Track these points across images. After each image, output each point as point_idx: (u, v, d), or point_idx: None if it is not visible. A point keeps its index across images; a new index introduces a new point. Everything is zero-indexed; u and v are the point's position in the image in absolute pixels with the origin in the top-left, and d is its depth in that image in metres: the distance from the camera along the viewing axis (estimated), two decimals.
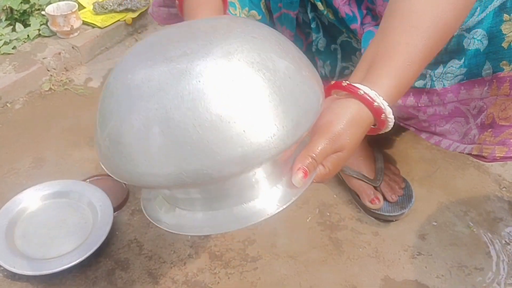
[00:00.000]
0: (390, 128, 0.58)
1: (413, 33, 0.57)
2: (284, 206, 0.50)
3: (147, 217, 0.56)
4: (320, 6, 0.90)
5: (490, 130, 0.72)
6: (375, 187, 0.92)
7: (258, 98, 0.44)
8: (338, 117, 0.54)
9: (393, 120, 0.56)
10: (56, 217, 0.90)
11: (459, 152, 0.79)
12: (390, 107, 0.55)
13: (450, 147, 0.80)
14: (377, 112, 0.54)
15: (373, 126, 0.58)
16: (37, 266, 0.80)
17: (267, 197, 0.50)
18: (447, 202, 0.95)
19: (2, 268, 0.81)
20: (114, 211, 0.90)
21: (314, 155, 0.51)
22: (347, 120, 0.53)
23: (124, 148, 0.45)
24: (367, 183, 0.92)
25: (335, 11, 0.89)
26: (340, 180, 0.99)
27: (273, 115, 0.44)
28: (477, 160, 1.02)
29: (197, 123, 0.42)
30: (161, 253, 0.86)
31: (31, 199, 0.92)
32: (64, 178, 0.98)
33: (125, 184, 0.97)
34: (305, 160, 0.51)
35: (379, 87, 0.55)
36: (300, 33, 1.00)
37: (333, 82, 0.57)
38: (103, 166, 0.50)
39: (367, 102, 0.54)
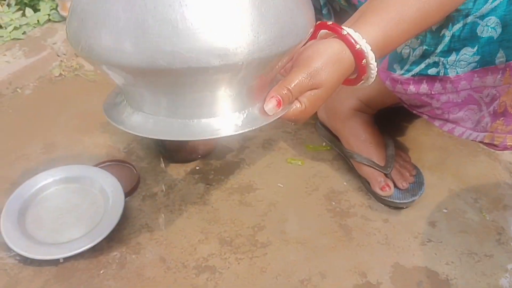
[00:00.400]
0: (371, 80, 0.58)
1: None
2: (242, 131, 0.50)
3: (108, 119, 0.55)
4: None
5: (502, 118, 0.72)
6: (385, 174, 0.92)
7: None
8: (319, 54, 0.54)
9: (375, 69, 0.57)
10: (68, 202, 0.91)
11: (472, 140, 0.78)
12: (373, 53, 0.55)
13: (463, 135, 0.79)
14: (358, 55, 0.55)
15: (354, 77, 0.59)
16: (49, 250, 0.81)
17: (228, 118, 0.50)
18: (457, 189, 0.95)
19: (14, 253, 0.83)
20: (125, 197, 0.91)
21: (290, 87, 0.52)
22: (327, 57, 0.54)
23: (92, 15, 0.43)
24: (378, 170, 0.92)
25: None
26: (350, 167, 0.99)
27: (257, 22, 0.44)
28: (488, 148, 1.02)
29: (183, 2, 0.40)
30: (172, 238, 0.86)
31: (43, 184, 0.92)
32: (75, 164, 0.98)
33: (135, 169, 0.97)
34: (281, 90, 0.52)
35: (365, 32, 0.55)
36: None
37: (318, 22, 0.58)
38: (69, 41, 0.48)
39: (349, 43, 0.54)
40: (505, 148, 0.74)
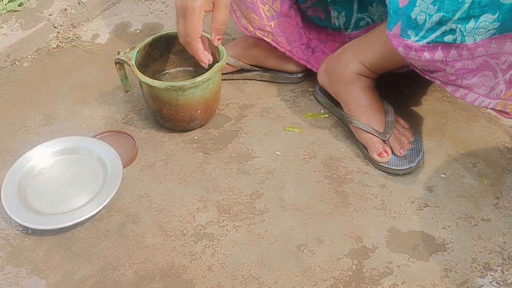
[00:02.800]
0: None
1: None
2: None
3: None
4: None
5: None
6: (383, 141, 0.92)
7: None
8: None
9: None
10: (67, 173, 0.92)
11: (483, 107, 0.77)
12: None
13: (476, 101, 0.78)
14: None
15: None
16: (50, 220, 0.82)
17: None
18: (456, 154, 0.94)
19: (16, 223, 0.84)
20: (124, 167, 0.92)
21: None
22: None
23: None
24: (376, 136, 0.92)
25: None
26: (348, 134, 0.98)
27: None
28: (490, 112, 1.01)
29: None
30: (171, 207, 0.87)
31: (41, 156, 0.93)
32: (74, 135, 0.99)
33: (134, 139, 0.97)
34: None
35: None
36: None
37: None
38: None
39: None
40: None
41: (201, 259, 0.80)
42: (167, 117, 0.97)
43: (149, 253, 0.81)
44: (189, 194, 0.90)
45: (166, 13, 1.38)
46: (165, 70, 1.07)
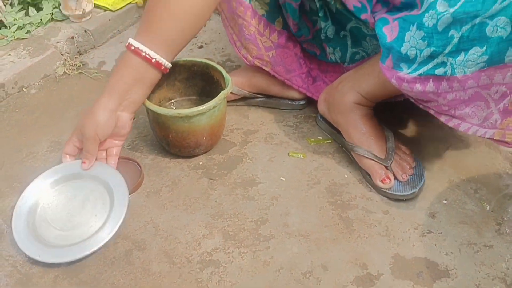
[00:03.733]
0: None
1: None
2: None
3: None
4: None
5: None
6: (386, 167, 0.93)
7: None
8: None
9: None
10: (73, 200, 0.92)
11: (479, 136, 0.78)
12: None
13: (469, 130, 0.80)
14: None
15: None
16: (61, 253, 0.82)
17: None
18: (457, 180, 0.96)
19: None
20: (130, 193, 0.93)
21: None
22: None
23: None
24: (378, 162, 0.93)
25: (342, 2, 0.88)
26: (351, 159, 1.00)
27: None
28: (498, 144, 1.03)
29: None
30: (177, 233, 0.88)
31: (42, 189, 0.93)
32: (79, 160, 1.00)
33: (139, 166, 0.99)
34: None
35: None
36: (307, 21, 1.00)
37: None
38: None
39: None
40: None
41: (208, 287, 0.80)
42: (173, 144, 0.98)
43: (156, 280, 0.81)
44: (194, 220, 0.91)
45: None
46: (171, 97, 1.09)
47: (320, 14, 0.95)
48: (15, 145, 1.08)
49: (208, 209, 0.93)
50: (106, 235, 0.84)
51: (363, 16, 0.84)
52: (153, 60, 0.86)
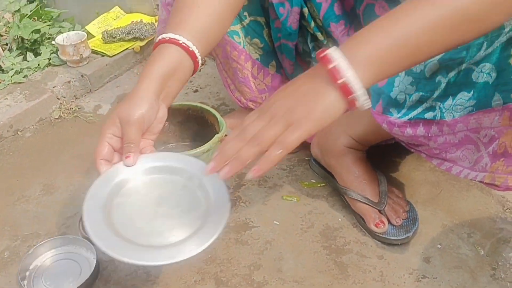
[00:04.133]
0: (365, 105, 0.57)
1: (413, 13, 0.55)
2: None
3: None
4: (320, 36, 0.92)
5: (502, 159, 0.72)
6: (379, 211, 0.93)
7: None
8: None
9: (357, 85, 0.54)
10: (164, 197, 0.74)
11: (471, 179, 0.79)
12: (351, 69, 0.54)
13: (461, 173, 0.80)
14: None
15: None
16: (145, 255, 0.65)
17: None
18: (451, 224, 0.96)
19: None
20: None
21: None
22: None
23: None
24: (372, 206, 0.93)
25: (335, 41, 0.91)
26: (345, 203, 1.00)
27: None
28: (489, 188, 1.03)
29: None
30: (168, 279, 0.87)
31: (134, 171, 0.74)
32: (74, 205, 1.00)
33: None
34: None
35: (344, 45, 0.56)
36: (301, 62, 1.02)
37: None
38: None
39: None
40: (507, 188, 0.74)
41: None
42: None
43: None
44: (186, 265, 0.89)
45: None
46: (165, 141, 1.10)
47: (312, 55, 0.97)
48: (7, 188, 1.07)
49: (200, 253, 0.91)
50: (198, 246, 0.67)
51: None
52: (190, 49, 0.73)
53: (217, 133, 0.96)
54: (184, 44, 0.73)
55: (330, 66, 0.54)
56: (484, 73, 0.67)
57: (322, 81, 0.56)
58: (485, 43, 0.65)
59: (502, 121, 0.69)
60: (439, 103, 0.73)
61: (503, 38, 0.64)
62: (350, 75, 0.54)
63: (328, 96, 0.56)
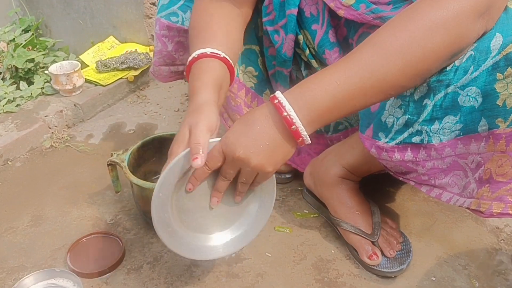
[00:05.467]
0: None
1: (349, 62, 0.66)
2: None
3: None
4: (314, 63, 0.93)
5: (487, 185, 0.72)
6: (372, 242, 0.92)
7: None
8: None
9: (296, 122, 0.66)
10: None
11: (459, 206, 0.78)
12: (296, 114, 0.65)
13: (451, 200, 0.79)
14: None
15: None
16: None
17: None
18: (445, 256, 0.94)
19: None
20: (110, 271, 0.90)
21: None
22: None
23: None
24: (365, 238, 0.92)
25: None
26: (338, 234, 0.98)
27: None
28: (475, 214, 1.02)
29: None
30: None
31: None
32: (62, 237, 0.98)
33: (121, 241, 0.96)
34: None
35: (291, 96, 0.67)
36: None
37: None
38: None
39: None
40: (491, 215, 0.73)
41: None
42: None
43: None
44: None
45: (160, 114, 1.43)
46: (156, 171, 1.09)
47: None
48: None
49: (190, 287, 0.89)
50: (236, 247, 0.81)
51: None
52: (230, 62, 0.80)
53: None
54: (224, 58, 0.80)
55: (284, 113, 0.66)
56: (470, 97, 0.68)
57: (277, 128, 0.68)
58: (472, 67, 0.66)
59: (488, 147, 0.70)
60: (425, 127, 0.73)
61: (489, 62, 0.65)
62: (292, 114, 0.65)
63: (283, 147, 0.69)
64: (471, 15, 0.62)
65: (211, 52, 0.79)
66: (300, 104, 0.66)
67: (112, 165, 1.00)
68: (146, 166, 1.05)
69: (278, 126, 0.67)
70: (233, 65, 0.82)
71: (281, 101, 0.66)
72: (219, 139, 0.70)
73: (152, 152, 1.05)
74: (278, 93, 0.67)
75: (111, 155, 0.98)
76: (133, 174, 0.93)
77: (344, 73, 0.65)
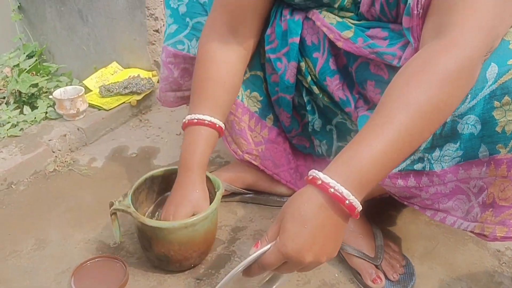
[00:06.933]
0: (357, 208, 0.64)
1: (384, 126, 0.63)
2: None
3: None
4: (316, 90, 0.95)
5: (491, 209, 0.73)
6: (376, 266, 0.92)
7: None
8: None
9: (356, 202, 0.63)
10: None
11: (463, 230, 0.79)
12: (344, 188, 0.61)
13: (455, 224, 0.80)
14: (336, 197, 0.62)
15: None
16: None
17: None
18: (448, 279, 0.95)
19: None
20: None
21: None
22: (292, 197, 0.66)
23: None
24: (368, 261, 0.93)
25: (329, 95, 0.93)
26: (341, 258, 0.99)
27: None
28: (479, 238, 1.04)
29: None
30: None
31: None
32: (66, 260, 0.98)
33: (125, 265, 0.96)
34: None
35: (330, 170, 0.63)
36: (296, 115, 1.05)
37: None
38: None
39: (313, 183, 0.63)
40: (495, 239, 0.74)
41: None
42: (160, 257, 0.93)
43: None
44: None
45: (162, 138, 1.45)
46: (150, 211, 1.04)
47: (308, 108, 1.00)
48: None
49: None
50: None
51: (347, 109, 0.89)
52: (217, 125, 0.93)
53: (211, 192, 0.95)
54: (211, 123, 0.91)
55: (346, 203, 0.62)
56: (469, 125, 0.69)
57: (338, 217, 0.65)
58: (469, 96, 0.68)
59: (489, 172, 0.71)
60: (427, 155, 0.75)
61: (486, 91, 0.67)
62: (352, 199, 0.63)
63: (342, 227, 0.66)
64: (480, 57, 0.66)
65: (197, 120, 0.91)
66: (344, 178, 0.62)
67: (115, 214, 0.94)
68: (142, 209, 1.00)
69: (333, 210, 0.63)
70: (222, 126, 0.94)
71: (327, 181, 0.62)
72: (268, 246, 0.65)
73: (145, 193, 1.01)
74: (319, 174, 0.63)
75: (112, 204, 0.93)
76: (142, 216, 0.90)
77: (386, 139, 0.62)
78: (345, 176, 0.62)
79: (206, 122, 0.91)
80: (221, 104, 0.94)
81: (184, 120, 0.94)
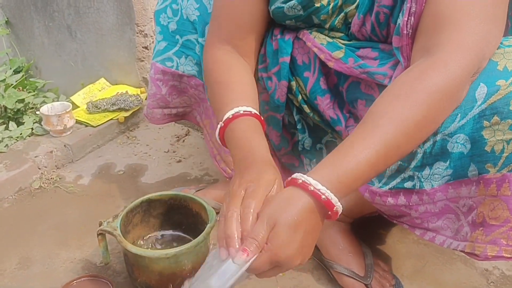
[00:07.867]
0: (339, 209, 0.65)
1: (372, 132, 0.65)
2: None
3: None
4: (306, 109, 0.95)
5: (481, 228, 0.73)
6: (366, 285, 0.92)
7: None
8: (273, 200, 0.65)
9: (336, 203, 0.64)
10: None
11: (453, 249, 0.79)
12: (321, 184, 0.63)
13: (444, 243, 0.80)
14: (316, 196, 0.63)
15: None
16: None
17: None
18: None
19: None
20: None
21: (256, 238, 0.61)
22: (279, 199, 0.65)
23: None
24: (358, 280, 0.92)
25: (320, 114, 0.94)
26: (330, 277, 0.98)
27: None
28: (464, 255, 1.04)
29: None
30: None
31: None
32: (51, 280, 0.96)
33: (111, 285, 0.95)
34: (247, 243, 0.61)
35: (317, 174, 0.65)
36: (286, 133, 1.05)
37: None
38: None
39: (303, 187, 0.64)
40: (486, 258, 0.74)
41: None
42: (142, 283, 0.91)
43: None
44: None
45: (150, 155, 1.43)
46: (145, 235, 1.03)
47: (298, 127, 1.00)
48: None
49: None
50: None
51: (338, 128, 0.89)
52: (262, 118, 0.81)
53: (207, 223, 0.92)
54: (256, 114, 0.80)
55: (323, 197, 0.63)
56: (459, 144, 0.70)
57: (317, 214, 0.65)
58: (459, 115, 0.69)
59: (479, 191, 0.71)
60: (417, 173, 0.75)
61: (475, 111, 0.68)
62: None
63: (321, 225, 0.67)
64: (467, 77, 0.67)
65: (247, 112, 0.79)
66: (323, 176, 0.65)
67: (102, 235, 0.93)
68: (135, 232, 1.00)
69: (320, 213, 0.65)
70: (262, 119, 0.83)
71: (318, 188, 0.63)
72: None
73: (141, 216, 1.00)
74: (302, 176, 0.65)
75: (101, 224, 0.92)
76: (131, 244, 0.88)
77: (370, 151, 0.64)
78: (325, 176, 0.64)
79: (253, 113, 0.80)
80: (254, 98, 0.85)
81: (226, 116, 0.79)
